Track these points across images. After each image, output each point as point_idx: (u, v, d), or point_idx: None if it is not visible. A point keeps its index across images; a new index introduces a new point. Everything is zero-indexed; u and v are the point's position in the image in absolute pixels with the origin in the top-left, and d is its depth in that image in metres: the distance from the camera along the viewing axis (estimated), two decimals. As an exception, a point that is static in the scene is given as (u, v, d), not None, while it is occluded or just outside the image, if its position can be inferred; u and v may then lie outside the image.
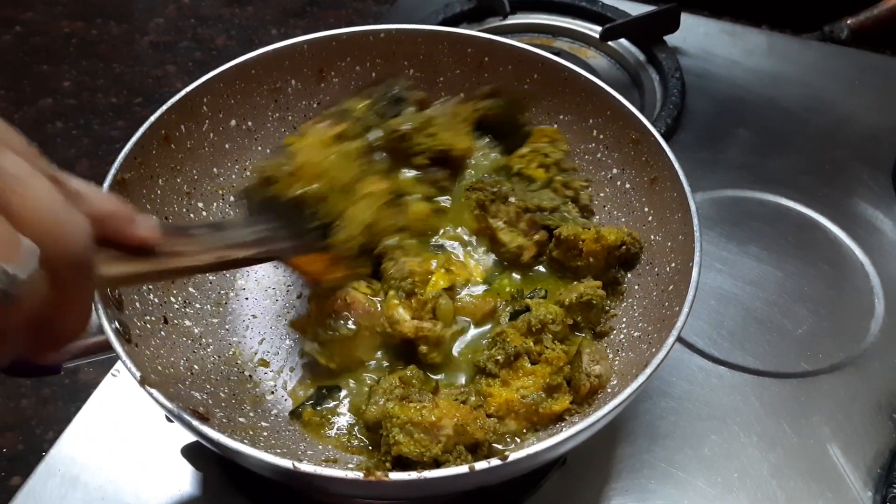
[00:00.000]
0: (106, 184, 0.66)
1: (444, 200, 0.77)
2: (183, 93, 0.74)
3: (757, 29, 1.20)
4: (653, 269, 0.72)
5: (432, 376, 0.68)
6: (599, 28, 1.13)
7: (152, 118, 0.71)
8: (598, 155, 0.81)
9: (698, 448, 0.74)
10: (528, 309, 0.70)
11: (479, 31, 0.87)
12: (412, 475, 0.51)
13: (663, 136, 0.74)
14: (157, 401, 0.55)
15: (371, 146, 0.72)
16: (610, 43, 1.13)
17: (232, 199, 0.79)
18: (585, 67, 0.83)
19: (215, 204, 0.78)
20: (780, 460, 0.74)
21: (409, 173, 0.73)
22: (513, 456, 0.52)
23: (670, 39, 1.12)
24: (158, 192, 0.73)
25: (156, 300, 0.69)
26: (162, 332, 0.68)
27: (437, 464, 0.58)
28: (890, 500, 0.70)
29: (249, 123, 0.81)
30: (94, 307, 0.58)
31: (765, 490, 0.72)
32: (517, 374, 0.66)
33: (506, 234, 0.74)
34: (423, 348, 0.67)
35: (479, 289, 0.73)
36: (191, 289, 0.73)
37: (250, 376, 0.70)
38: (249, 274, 0.77)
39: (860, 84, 1.10)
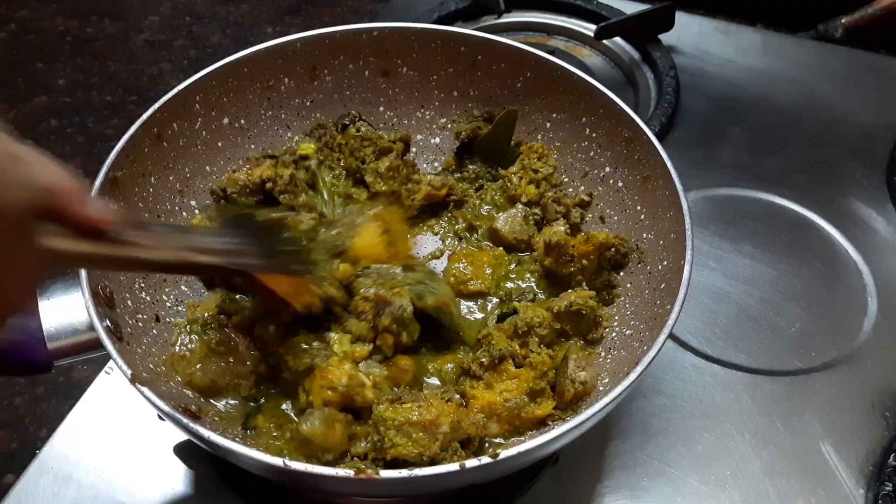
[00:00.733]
0: (98, 181, 0.66)
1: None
2: (175, 91, 0.74)
3: (751, 28, 1.20)
4: (645, 268, 0.72)
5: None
6: (594, 26, 1.12)
7: (144, 116, 0.71)
8: (591, 153, 0.81)
9: (691, 446, 0.75)
10: (515, 311, 0.70)
11: (474, 29, 0.87)
12: (403, 473, 0.51)
13: (657, 134, 0.74)
14: (148, 399, 0.55)
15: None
16: (605, 41, 1.13)
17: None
18: (580, 66, 0.83)
19: (208, 202, 0.78)
20: (773, 458, 0.74)
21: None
22: (504, 454, 0.52)
23: (665, 38, 1.12)
24: (150, 189, 0.73)
25: (147, 298, 0.69)
26: (154, 331, 0.68)
27: (432, 462, 0.58)
28: (882, 498, 0.70)
29: (242, 121, 0.81)
30: (89, 306, 0.58)
31: (757, 488, 0.72)
32: (501, 377, 0.65)
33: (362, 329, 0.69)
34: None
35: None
36: (183, 287, 0.73)
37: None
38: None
39: (854, 83, 1.10)
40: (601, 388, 0.65)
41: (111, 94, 1.26)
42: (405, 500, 0.69)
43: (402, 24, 0.83)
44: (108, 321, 0.59)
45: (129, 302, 0.66)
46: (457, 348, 0.70)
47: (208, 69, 0.76)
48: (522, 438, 0.63)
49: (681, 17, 1.14)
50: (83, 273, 0.59)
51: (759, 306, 0.86)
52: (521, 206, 0.80)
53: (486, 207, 0.82)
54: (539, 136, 0.84)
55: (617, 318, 0.72)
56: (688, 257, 0.64)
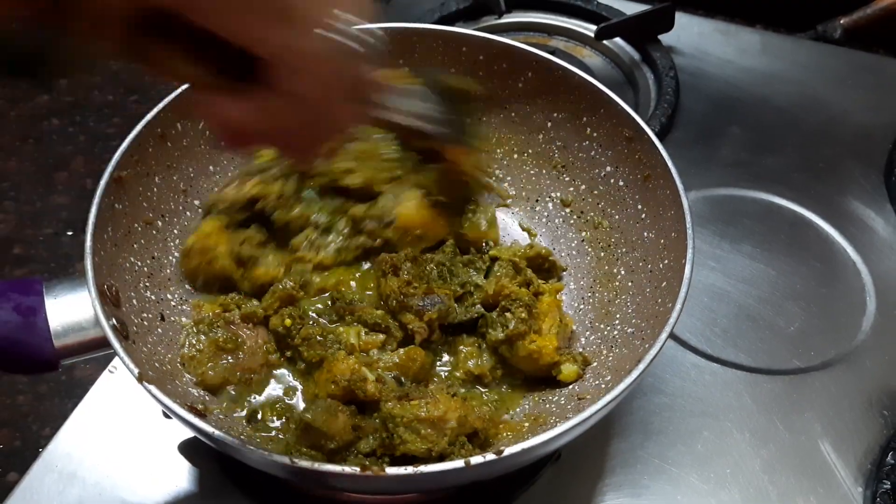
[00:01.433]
0: (103, 182, 0.66)
1: None
2: (179, 90, 0.74)
3: (751, 28, 1.20)
4: (646, 266, 0.73)
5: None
6: (594, 27, 1.13)
7: (148, 116, 0.72)
8: (592, 153, 0.81)
9: (691, 444, 0.75)
10: (495, 259, 0.74)
11: (475, 29, 0.87)
12: (408, 470, 0.52)
13: (658, 134, 0.75)
14: (154, 397, 0.55)
15: None
16: (605, 42, 1.13)
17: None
18: (580, 66, 0.83)
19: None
20: (772, 456, 0.74)
21: None
22: (508, 451, 0.53)
23: (665, 38, 1.13)
24: (155, 189, 0.73)
25: (152, 297, 0.69)
26: (159, 329, 0.68)
27: (440, 458, 0.59)
28: (880, 496, 0.70)
29: (245, 121, 0.81)
30: (96, 302, 0.58)
31: (757, 486, 0.72)
32: (540, 320, 0.69)
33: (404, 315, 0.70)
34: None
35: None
36: (187, 286, 0.73)
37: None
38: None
39: (853, 83, 1.11)
40: (603, 386, 0.66)
41: (112, 93, 1.26)
42: (409, 496, 0.69)
43: (402, 25, 0.83)
44: (114, 320, 0.59)
45: (134, 301, 0.67)
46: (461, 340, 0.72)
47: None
48: (526, 437, 0.63)
49: (680, 18, 1.14)
50: (89, 272, 0.60)
51: (759, 305, 0.86)
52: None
53: None
54: (540, 136, 0.85)
55: (618, 315, 0.72)
56: (689, 256, 0.65)
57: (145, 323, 0.66)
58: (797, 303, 0.87)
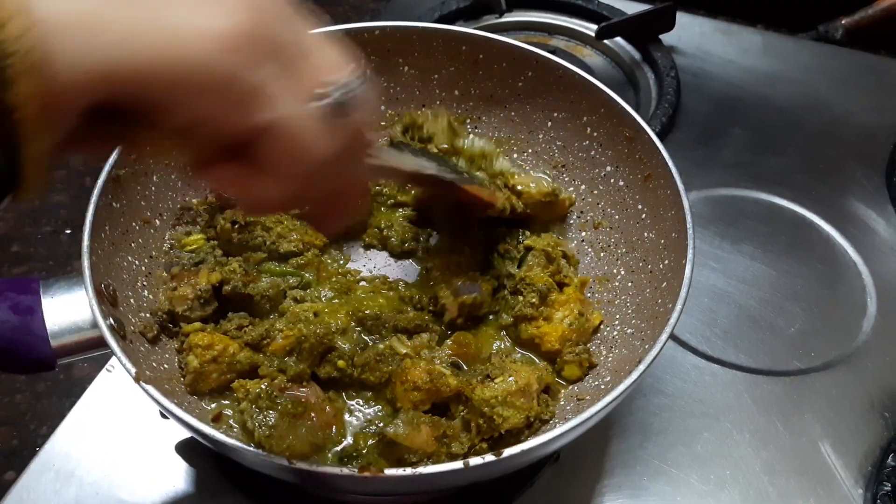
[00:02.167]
0: (100, 180, 0.66)
1: None
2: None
3: (752, 28, 1.20)
4: (646, 267, 0.72)
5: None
6: (595, 26, 1.13)
7: (147, 114, 0.71)
8: (592, 152, 0.81)
9: (691, 445, 0.75)
10: (529, 249, 0.75)
11: (476, 28, 0.87)
12: (406, 471, 0.52)
13: (658, 134, 0.74)
14: (151, 397, 0.55)
15: None
16: (606, 41, 1.13)
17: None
18: (581, 66, 0.83)
19: (209, 198, 0.78)
20: (773, 458, 0.74)
21: None
22: (507, 452, 0.53)
23: (666, 38, 1.12)
24: (153, 188, 0.73)
25: (150, 297, 0.69)
26: (155, 329, 0.67)
27: (538, 419, 0.63)
28: (880, 498, 0.70)
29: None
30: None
31: (757, 487, 0.72)
32: (554, 308, 0.70)
33: (441, 289, 0.71)
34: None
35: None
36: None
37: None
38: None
39: (855, 84, 1.11)
40: (603, 387, 0.66)
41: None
42: (408, 498, 0.69)
43: (403, 23, 0.83)
44: (111, 319, 0.59)
45: (131, 300, 0.66)
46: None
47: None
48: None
49: (682, 18, 1.14)
50: (86, 271, 0.59)
51: (759, 306, 0.86)
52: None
53: None
54: (540, 136, 0.84)
55: (618, 316, 0.72)
56: (689, 256, 0.64)
57: (142, 323, 0.66)
58: (798, 304, 0.86)
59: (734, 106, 1.08)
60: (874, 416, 0.77)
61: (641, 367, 0.57)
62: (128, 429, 0.74)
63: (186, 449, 0.72)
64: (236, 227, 0.73)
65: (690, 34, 1.16)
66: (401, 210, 0.80)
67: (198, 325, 0.67)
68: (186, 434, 0.64)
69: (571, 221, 0.82)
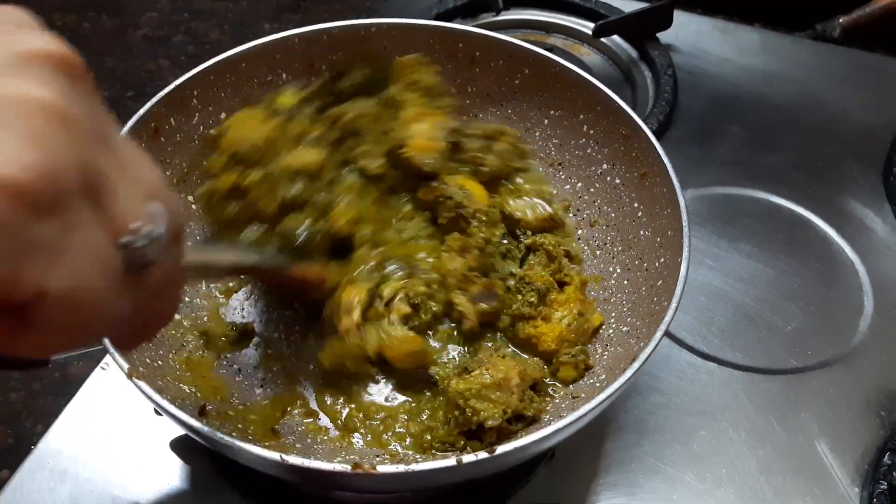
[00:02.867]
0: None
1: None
2: (172, 86, 0.74)
3: (749, 27, 1.20)
4: (642, 265, 0.72)
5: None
6: (592, 24, 1.13)
7: (141, 111, 0.71)
8: (588, 150, 0.81)
9: (687, 443, 0.75)
10: (530, 248, 0.75)
11: (473, 26, 0.87)
12: (399, 468, 0.51)
13: (655, 132, 0.74)
14: (144, 393, 0.55)
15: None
16: (603, 39, 1.13)
17: None
18: (578, 64, 0.83)
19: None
20: (769, 456, 0.74)
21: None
22: (500, 449, 0.52)
23: (663, 36, 1.12)
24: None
25: (145, 293, 0.69)
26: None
27: (518, 418, 0.62)
28: (877, 496, 0.70)
29: (240, 117, 0.81)
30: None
31: (753, 486, 0.72)
32: (553, 308, 0.70)
33: (457, 296, 0.71)
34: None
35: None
36: (180, 282, 0.72)
37: (239, 369, 0.70)
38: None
39: (852, 82, 1.11)
40: (598, 385, 0.65)
41: (108, 89, 1.25)
42: (402, 496, 0.69)
43: (399, 21, 0.83)
44: (104, 315, 0.59)
45: (125, 297, 0.66)
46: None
47: (206, 64, 0.76)
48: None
49: (679, 16, 1.14)
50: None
51: (756, 305, 0.86)
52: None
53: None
54: (537, 133, 0.84)
55: (614, 314, 0.72)
56: (685, 254, 0.64)
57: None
58: (795, 302, 0.86)
59: (731, 104, 1.08)
60: (871, 414, 0.77)
61: (636, 365, 0.57)
62: (122, 426, 0.74)
63: (181, 446, 0.72)
64: None
65: (687, 32, 1.16)
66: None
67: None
68: (181, 431, 0.64)
69: (567, 220, 0.82)
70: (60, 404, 0.75)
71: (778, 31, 1.20)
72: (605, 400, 0.55)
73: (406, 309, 0.69)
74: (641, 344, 0.61)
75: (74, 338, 0.33)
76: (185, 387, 0.64)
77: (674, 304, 0.61)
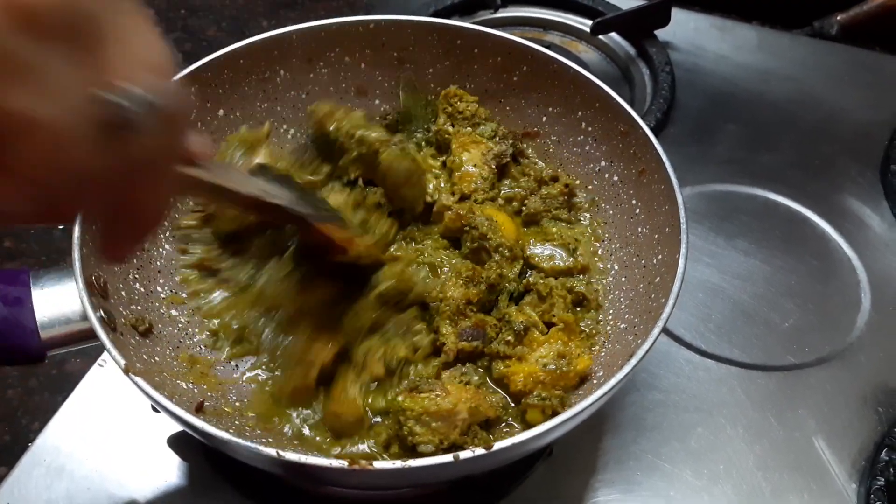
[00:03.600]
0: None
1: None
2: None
3: (747, 24, 1.20)
4: (640, 262, 0.72)
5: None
6: (590, 22, 1.13)
7: (140, 107, 0.71)
8: (587, 147, 0.81)
9: (685, 440, 0.75)
10: (527, 290, 0.71)
11: (471, 23, 0.86)
12: (396, 464, 0.51)
13: (653, 130, 0.74)
14: (141, 389, 0.54)
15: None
16: (601, 37, 1.13)
17: None
18: (576, 61, 0.83)
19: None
20: (766, 453, 0.74)
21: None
22: (497, 445, 0.52)
23: (661, 34, 1.12)
24: (145, 181, 0.73)
25: (141, 289, 0.69)
26: (147, 321, 0.67)
27: (455, 447, 0.58)
28: (874, 492, 0.70)
29: (237, 113, 0.81)
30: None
31: (750, 482, 0.72)
32: (532, 347, 0.66)
33: (444, 325, 0.68)
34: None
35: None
36: (177, 278, 0.72)
37: (237, 366, 0.70)
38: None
39: (849, 80, 1.11)
40: (595, 382, 0.65)
41: (106, 86, 1.25)
42: (399, 492, 0.69)
43: (398, 17, 0.83)
44: (101, 311, 0.59)
45: (122, 293, 0.66)
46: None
47: (203, 60, 0.76)
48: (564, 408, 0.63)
49: (677, 14, 1.14)
50: (77, 262, 0.59)
51: (753, 302, 0.86)
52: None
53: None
54: (535, 130, 0.84)
55: (611, 311, 0.72)
56: (682, 251, 0.64)
57: (133, 315, 0.66)
58: (792, 299, 0.86)
59: (729, 102, 1.08)
60: (868, 411, 0.77)
61: (633, 362, 0.57)
62: (119, 423, 0.74)
63: (178, 443, 0.72)
64: None
65: (685, 30, 1.16)
66: None
67: None
68: (178, 428, 0.64)
69: (595, 263, 0.80)
70: (57, 401, 0.75)
71: (776, 29, 1.20)
72: (602, 396, 0.55)
73: (380, 371, 0.65)
74: (639, 341, 0.61)
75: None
76: (183, 383, 0.64)
77: (671, 301, 0.61)
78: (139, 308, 0.67)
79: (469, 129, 0.81)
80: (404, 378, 0.65)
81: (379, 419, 0.64)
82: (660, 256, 0.69)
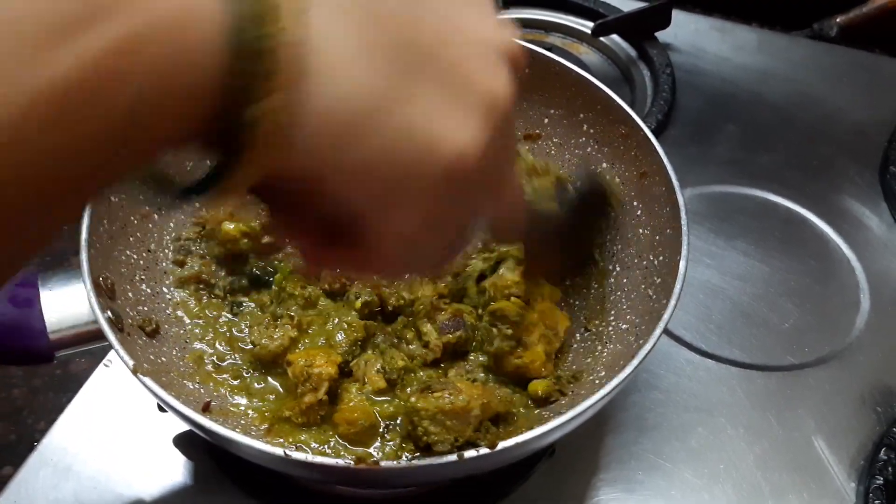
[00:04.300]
0: (99, 174, 0.66)
1: None
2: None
3: (747, 26, 1.20)
4: (641, 262, 0.73)
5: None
6: (591, 24, 1.13)
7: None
8: (588, 149, 0.81)
9: (685, 440, 0.75)
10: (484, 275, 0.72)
11: (472, 25, 0.87)
12: (401, 463, 0.52)
13: (654, 131, 0.75)
14: (149, 389, 0.55)
15: None
16: (602, 39, 1.13)
17: None
18: (577, 63, 0.83)
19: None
20: (766, 452, 0.75)
21: None
22: (501, 444, 0.53)
23: (661, 36, 1.13)
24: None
25: (148, 290, 0.69)
26: (154, 322, 0.68)
27: (469, 444, 0.59)
28: (873, 491, 0.71)
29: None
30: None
31: (750, 481, 0.73)
32: (529, 332, 0.67)
33: (423, 324, 0.69)
34: None
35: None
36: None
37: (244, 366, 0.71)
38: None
39: (849, 81, 1.11)
40: (597, 382, 0.66)
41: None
42: (403, 491, 0.70)
43: (400, 20, 0.83)
44: (109, 312, 0.59)
45: (129, 294, 0.67)
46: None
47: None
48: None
49: (677, 15, 1.15)
50: (84, 264, 0.60)
51: (753, 302, 0.87)
52: None
53: None
54: (536, 132, 0.85)
55: (613, 312, 0.73)
56: (684, 252, 0.65)
57: (140, 316, 0.66)
58: (791, 299, 0.87)
59: (728, 103, 1.08)
60: (867, 410, 0.78)
61: (635, 362, 0.58)
62: (125, 423, 0.74)
63: (184, 442, 0.72)
64: None
65: (686, 32, 1.17)
66: None
67: None
68: (184, 427, 0.65)
69: None
70: (62, 401, 0.76)
71: (775, 31, 1.21)
72: (604, 396, 0.56)
73: (381, 383, 0.66)
74: (640, 341, 0.61)
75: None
76: (190, 383, 0.64)
77: (673, 302, 0.62)
78: (146, 309, 0.68)
79: None
80: (408, 385, 0.66)
81: (390, 423, 0.64)
82: (661, 258, 0.70)
